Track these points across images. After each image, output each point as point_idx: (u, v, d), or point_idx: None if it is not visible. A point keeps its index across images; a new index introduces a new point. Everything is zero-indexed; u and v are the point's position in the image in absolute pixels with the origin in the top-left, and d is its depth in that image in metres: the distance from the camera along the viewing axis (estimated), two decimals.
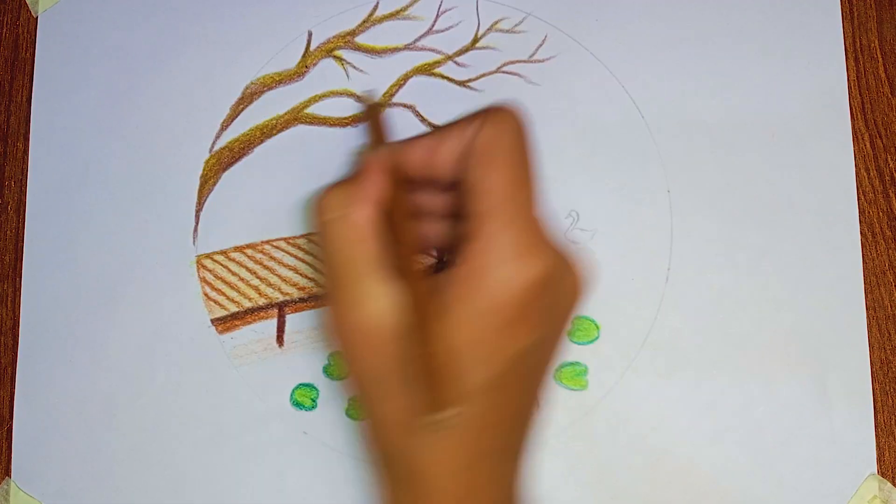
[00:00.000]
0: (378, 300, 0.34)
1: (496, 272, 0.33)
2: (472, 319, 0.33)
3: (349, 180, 0.36)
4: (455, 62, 0.45)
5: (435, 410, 0.32)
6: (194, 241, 0.44)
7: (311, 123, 0.45)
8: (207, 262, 0.44)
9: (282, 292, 0.43)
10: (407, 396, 0.33)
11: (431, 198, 0.39)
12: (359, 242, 0.34)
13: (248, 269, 0.44)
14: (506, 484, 0.35)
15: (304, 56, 0.46)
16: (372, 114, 0.41)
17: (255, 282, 0.44)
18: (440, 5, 0.46)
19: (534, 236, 0.33)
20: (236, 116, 0.45)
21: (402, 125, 0.44)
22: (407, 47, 0.45)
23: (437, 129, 0.35)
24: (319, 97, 0.45)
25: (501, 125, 0.34)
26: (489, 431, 0.34)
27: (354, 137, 0.44)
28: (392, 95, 0.45)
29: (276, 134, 0.45)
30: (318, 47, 0.46)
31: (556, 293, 0.34)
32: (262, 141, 0.45)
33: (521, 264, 0.33)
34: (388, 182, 0.35)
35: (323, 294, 0.35)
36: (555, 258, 0.34)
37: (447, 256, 0.39)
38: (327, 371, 0.43)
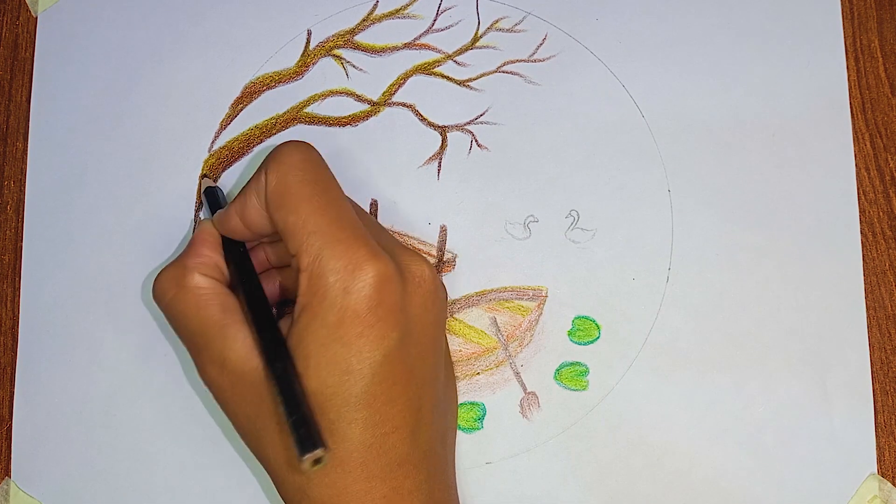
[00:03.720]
0: (238, 347, 0.35)
1: (329, 293, 0.34)
2: (325, 341, 0.34)
3: (174, 262, 0.38)
4: (455, 61, 0.45)
5: (305, 452, 0.32)
6: None
7: (310, 123, 0.45)
8: None
9: None
10: (283, 438, 0.35)
11: (278, 249, 0.40)
12: (201, 307, 0.37)
13: None
14: (421, 494, 0.35)
15: (303, 55, 0.45)
16: (208, 194, 0.43)
17: None
18: (440, 4, 0.46)
19: (354, 250, 0.34)
20: (235, 116, 0.45)
21: (401, 125, 0.44)
22: (406, 46, 0.45)
23: (241, 191, 0.37)
24: (319, 96, 0.45)
25: (283, 165, 0.36)
26: (375, 449, 0.34)
27: (353, 137, 0.44)
28: (392, 95, 0.45)
29: (275, 133, 0.45)
30: (317, 46, 0.46)
31: (399, 292, 0.35)
32: (261, 140, 0.45)
33: (349, 278, 0.34)
34: (212, 251, 0.38)
35: (196, 368, 0.38)
36: (383, 262, 0.34)
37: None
38: None
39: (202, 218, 0.44)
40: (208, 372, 0.37)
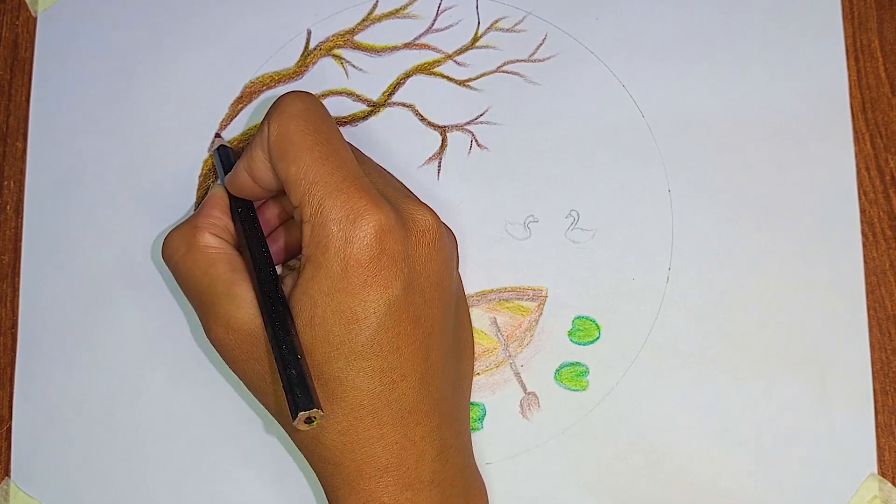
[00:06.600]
0: (243, 305, 0.36)
1: (332, 243, 0.34)
2: (329, 291, 0.34)
3: (184, 222, 0.39)
4: (455, 61, 0.45)
5: (297, 412, 0.33)
6: None
7: None
8: None
9: None
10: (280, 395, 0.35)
11: (282, 208, 0.41)
12: (210, 265, 0.37)
13: None
14: (437, 440, 0.36)
15: (303, 55, 0.45)
16: (220, 154, 0.43)
17: None
18: (440, 4, 0.46)
19: (355, 200, 0.35)
20: (235, 115, 0.45)
21: (401, 125, 0.44)
22: (406, 46, 0.45)
23: (247, 146, 0.38)
24: (319, 96, 0.45)
25: (284, 115, 0.36)
26: (384, 397, 0.35)
27: (353, 137, 0.44)
28: (391, 94, 0.45)
29: None
30: (317, 46, 0.46)
31: (402, 241, 0.35)
32: None
33: (351, 227, 0.34)
34: (221, 213, 0.39)
35: (201, 325, 0.38)
36: (384, 211, 0.35)
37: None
38: None
39: (213, 182, 0.44)
40: (215, 331, 0.37)
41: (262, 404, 0.38)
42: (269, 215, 0.41)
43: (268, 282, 0.36)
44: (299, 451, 0.38)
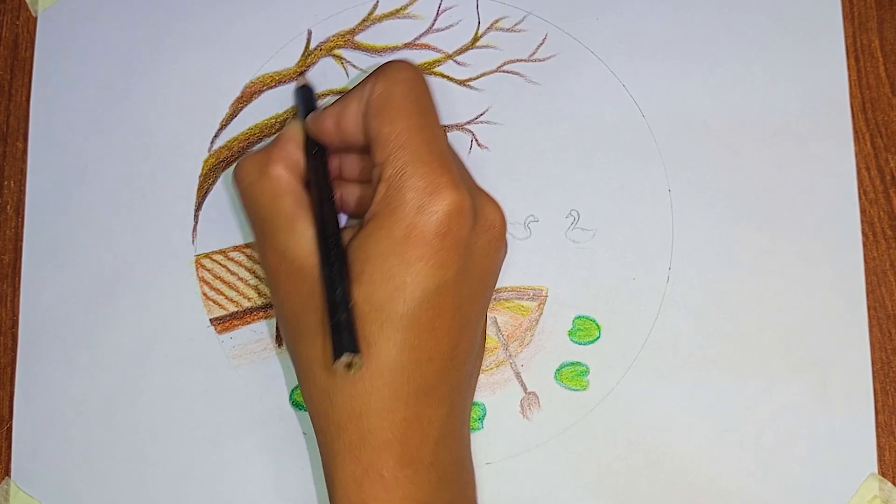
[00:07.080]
0: (302, 241, 0.37)
1: (403, 207, 0.35)
2: (385, 253, 0.35)
3: (259, 151, 0.39)
4: (455, 61, 0.45)
5: (339, 355, 0.33)
6: (193, 241, 0.44)
7: None
8: (206, 262, 0.44)
9: None
10: (323, 338, 0.35)
11: (354, 163, 0.41)
12: (277, 196, 0.38)
13: (247, 268, 0.44)
14: (442, 425, 0.36)
15: (303, 55, 0.45)
16: (301, 94, 0.43)
17: (254, 281, 0.44)
18: (440, 4, 0.46)
19: (437, 174, 0.35)
20: (235, 115, 0.45)
21: None
22: (407, 46, 0.45)
23: (342, 96, 0.39)
24: (319, 96, 0.45)
25: (392, 79, 0.37)
26: (406, 373, 0.35)
27: None
28: None
29: (275, 133, 0.45)
30: (317, 46, 0.46)
31: (469, 229, 0.35)
32: (261, 140, 0.45)
33: (427, 199, 0.35)
34: (296, 149, 0.39)
35: (257, 252, 0.39)
36: (463, 195, 0.35)
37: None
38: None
39: (291, 118, 0.44)
40: (269, 258, 0.38)
41: (289, 341, 0.38)
42: (334, 165, 0.41)
43: (331, 223, 0.37)
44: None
